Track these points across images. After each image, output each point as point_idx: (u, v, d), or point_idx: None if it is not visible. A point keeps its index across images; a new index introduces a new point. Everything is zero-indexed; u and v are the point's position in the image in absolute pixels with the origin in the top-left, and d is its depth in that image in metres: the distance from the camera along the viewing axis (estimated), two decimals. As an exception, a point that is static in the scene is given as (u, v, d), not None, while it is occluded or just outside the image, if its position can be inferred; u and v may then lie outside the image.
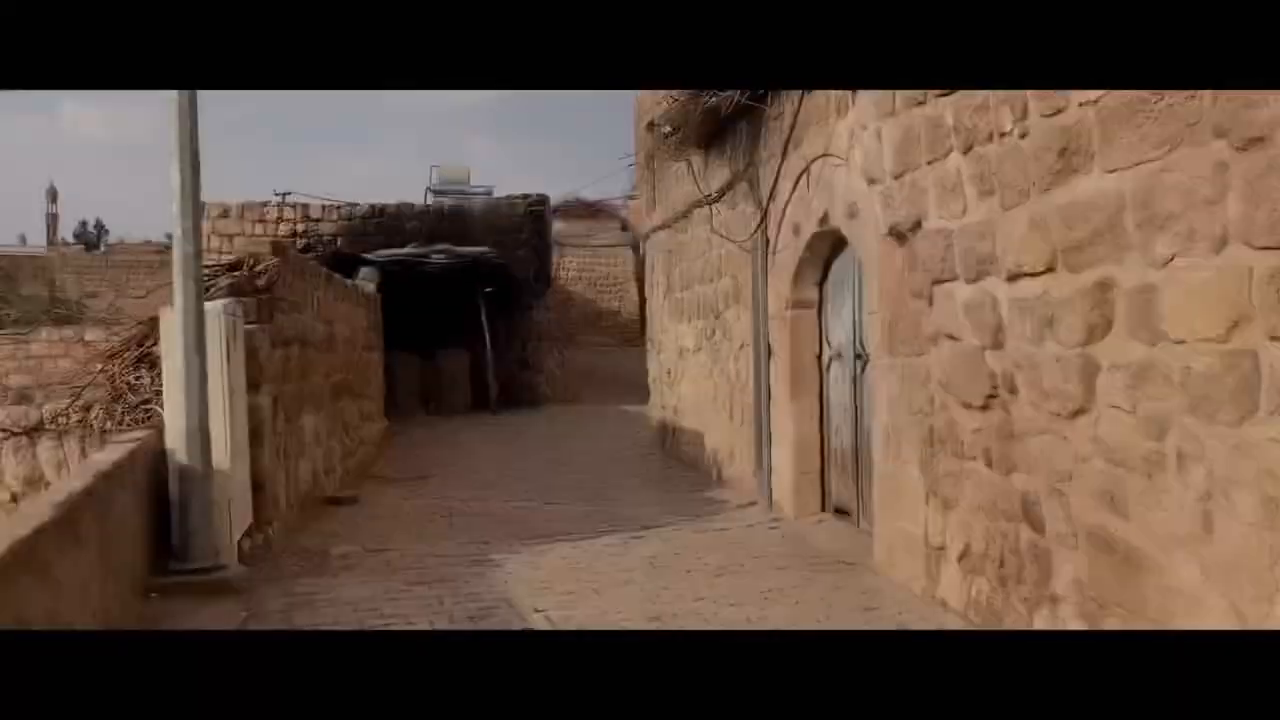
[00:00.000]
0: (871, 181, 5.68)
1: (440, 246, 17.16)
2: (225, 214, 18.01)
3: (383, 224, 18.33)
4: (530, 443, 13.54)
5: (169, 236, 18.35)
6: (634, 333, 36.47)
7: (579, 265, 37.05)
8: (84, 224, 67.54)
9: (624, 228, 41.18)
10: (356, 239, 18.14)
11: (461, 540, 7.29)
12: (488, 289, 17.13)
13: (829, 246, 7.38)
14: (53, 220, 59.55)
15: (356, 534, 7.54)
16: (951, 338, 4.98)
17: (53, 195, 59.52)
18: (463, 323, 18.04)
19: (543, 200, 18.70)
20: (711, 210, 9.66)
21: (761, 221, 8.07)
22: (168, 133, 5.79)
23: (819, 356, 7.76)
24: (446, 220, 18.37)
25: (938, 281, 5.10)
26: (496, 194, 18.83)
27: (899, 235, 5.52)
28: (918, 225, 5.21)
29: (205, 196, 6.51)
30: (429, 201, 18.92)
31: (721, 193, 9.38)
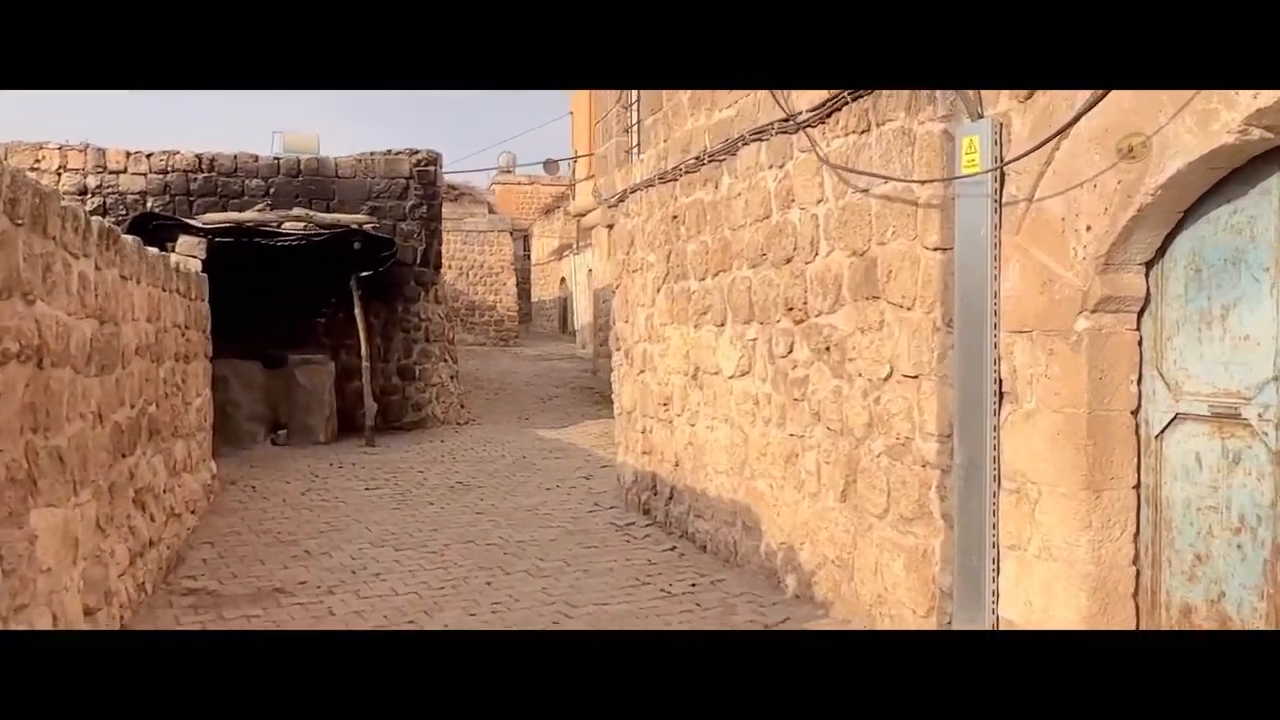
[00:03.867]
0: None
1: (296, 212, 12.47)
2: (-18, 157, 12.78)
3: (213, 181, 13.46)
4: (439, 499, 9.14)
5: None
6: (511, 330, 32.19)
7: (450, 252, 32.32)
8: None
9: (491, 210, 36.92)
10: (176, 199, 13.23)
11: None
12: (363, 272, 12.54)
13: (1210, 179, 3.47)
14: None
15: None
16: None
17: None
18: (326, 317, 13.40)
19: (434, 158, 14.20)
20: (810, 139, 5.60)
21: (1005, 164, 4.08)
22: None
23: (1136, 412, 3.84)
24: (303, 180, 13.65)
25: None
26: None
27: None
28: None
29: None
30: (278, 155, 14.07)
31: (835, 104, 5.34)
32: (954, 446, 4.42)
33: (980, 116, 4.23)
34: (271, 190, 13.48)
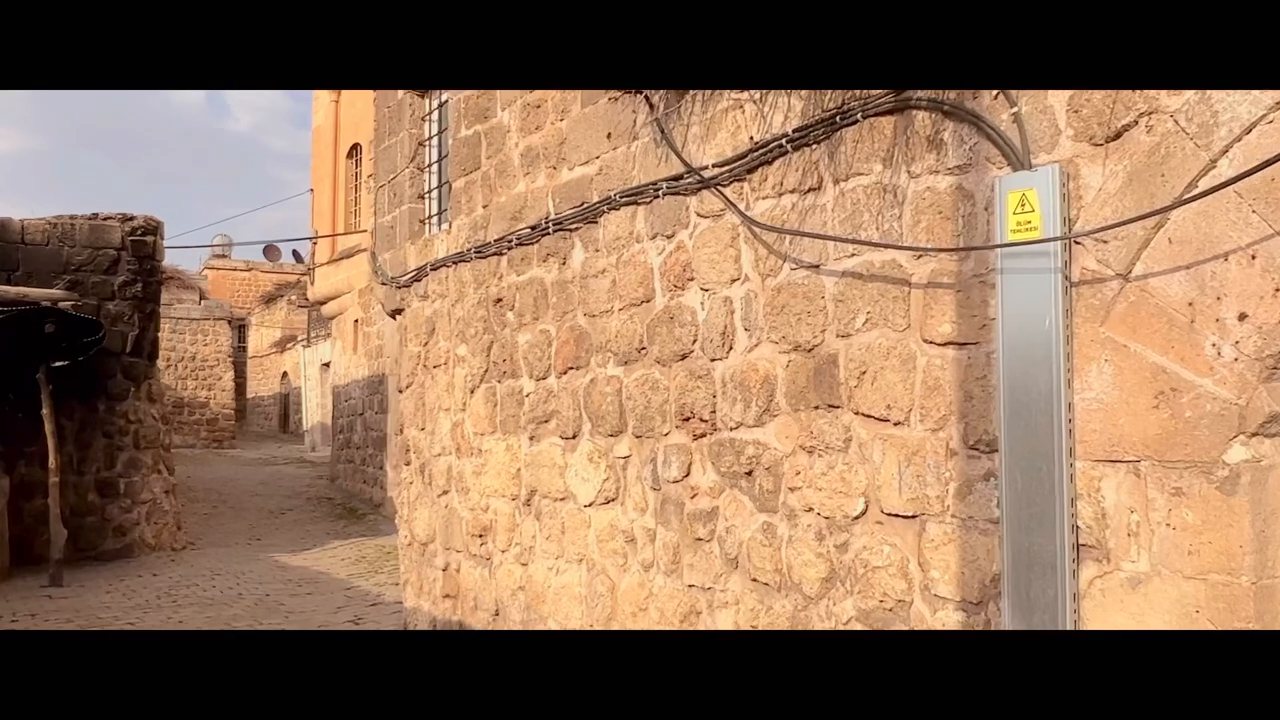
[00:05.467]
0: None
1: (-35, 283, 9.74)
2: None
3: None
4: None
5: None
6: (226, 430, 28.72)
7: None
8: None
9: (204, 297, 33.65)
10: None
11: None
12: (56, 361, 9.93)
13: None
14: None
15: None
16: None
17: None
18: (1, 417, 10.55)
19: (154, 227, 11.80)
20: (725, 199, 4.32)
21: (1100, 229, 2.94)
22: None
23: (1300, 576, 2.73)
24: (-24, 245, 10.86)
25: None
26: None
27: None
28: None
29: None
30: (-57, 213, 11.13)
31: (763, 155, 4.11)
32: (995, 618, 3.16)
33: (1026, 166, 3.10)
34: (-70, 257, 10.60)
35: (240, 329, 36.40)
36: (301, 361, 29.29)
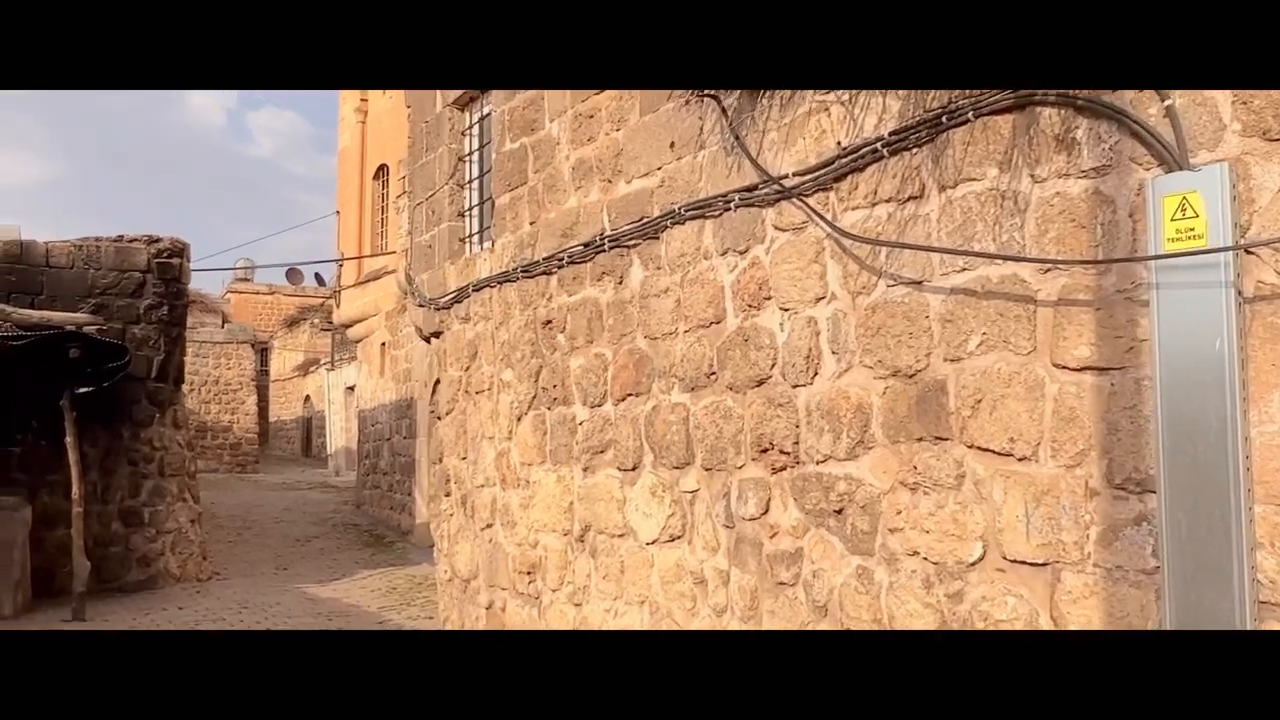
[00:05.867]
0: None
1: (-12, 307, 9.46)
2: None
3: None
4: None
5: None
6: (249, 455, 28.47)
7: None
8: None
9: (226, 320, 33.61)
10: None
11: None
12: (80, 387, 9.63)
13: None
14: None
15: None
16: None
17: None
18: (25, 445, 10.25)
19: (180, 249, 11.54)
20: (808, 210, 3.94)
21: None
22: None
23: None
24: (2, 268, 10.61)
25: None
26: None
27: None
28: None
29: None
30: (-33, 236, 10.90)
31: (854, 162, 3.74)
32: (1153, 686, 2.75)
33: (1185, 166, 2.71)
34: (-46, 280, 10.35)
35: (263, 352, 36.29)
36: (325, 385, 29.04)
